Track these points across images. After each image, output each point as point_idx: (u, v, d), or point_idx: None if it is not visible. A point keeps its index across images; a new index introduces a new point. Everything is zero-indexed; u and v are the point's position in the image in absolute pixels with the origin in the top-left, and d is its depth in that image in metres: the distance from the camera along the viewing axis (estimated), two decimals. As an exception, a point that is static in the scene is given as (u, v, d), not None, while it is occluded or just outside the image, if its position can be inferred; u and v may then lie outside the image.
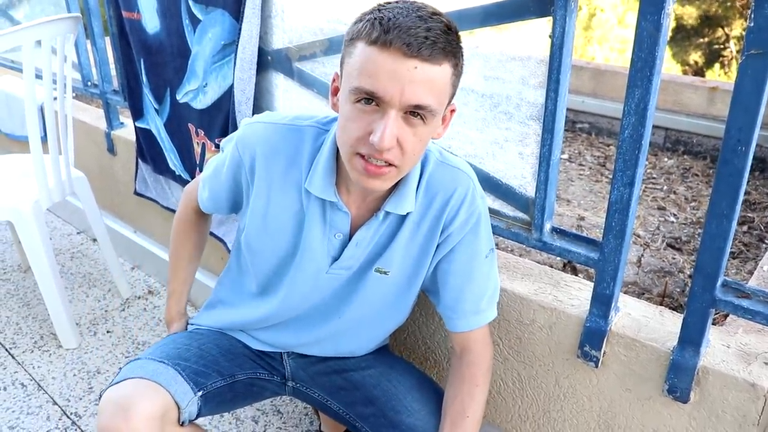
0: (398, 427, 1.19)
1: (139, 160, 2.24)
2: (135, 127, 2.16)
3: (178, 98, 1.87)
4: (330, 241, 1.16)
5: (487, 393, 1.20)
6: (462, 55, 0.98)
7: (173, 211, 2.17)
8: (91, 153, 2.62)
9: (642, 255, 2.77)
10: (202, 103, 1.78)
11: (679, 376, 1.12)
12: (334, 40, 1.51)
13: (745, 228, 3.08)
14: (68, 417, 1.75)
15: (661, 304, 1.43)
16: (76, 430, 1.71)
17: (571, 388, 1.31)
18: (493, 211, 1.37)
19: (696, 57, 9.91)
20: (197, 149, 1.87)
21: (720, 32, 9.59)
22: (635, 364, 1.19)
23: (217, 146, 1.76)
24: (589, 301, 1.23)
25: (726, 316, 1.52)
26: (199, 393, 1.17)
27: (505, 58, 1.26)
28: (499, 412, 1.46)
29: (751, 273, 2.54)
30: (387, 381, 1.27)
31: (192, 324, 1.39)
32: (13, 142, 3.15)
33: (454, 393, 1.19)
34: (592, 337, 1.22)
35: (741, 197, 0.99)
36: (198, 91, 1.78)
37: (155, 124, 2.04)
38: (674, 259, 2.76)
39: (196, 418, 1.18)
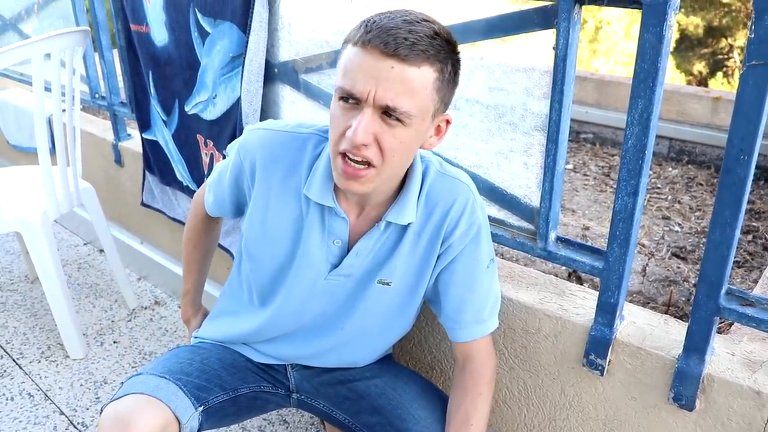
0: (405, 435, 1.19)
1: (146, 172, 2.26)
2: (142, 138, 2.18)
3: (187, 110, 1.89)
4: (329, 248, 1.16)
5: (491, 402, 1.21)
6: (452, 63, 0.98)
7: (180, 222, 2.19)
8: (99, 164, 2.64)
9: (647, 264, 2.77)
10: (211, 114, 1.80)
11: (685, 384, 1.13)
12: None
13: (750, 237, 3.07)
14: (75, 427, 1.76)
15: (666, 313, 1.43)
16: (83, 439, 1.72)
17: (576, 396, 1.32)
18: (498, 221, 1.38)
19: (700, 67, 9.93)
20: (206, 160, 1.89)
21: (724, 42, 9.61)
22: (640, 373, 1.20)
23: (225, 156, 1.77)
24: (594, 309, 1.23)
25: (731, 324, 1.52)
26: (201, 408, 1.17)
27: (510, 69, 1.27)
28: (505, 420, 1.47)
29: (756, 282, 2.54)
30: (392, 390, 1.27)
31: (195, 337, 1.40)
32: (21, 154, 3.18)
33: (457, 402, 1.19)
34: (598, 345, 1.22)
35: (744, 206, 0.99)
36: (208, 102, 1.80)
37: (163, 135, 2.06)
38: (679, 268, 2.76)
39: None
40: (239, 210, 1.28)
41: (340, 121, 0.97)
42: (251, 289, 1.27)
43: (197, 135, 1.90)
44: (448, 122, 1.06)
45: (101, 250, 2.77)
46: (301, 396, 1.37)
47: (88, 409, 1.83)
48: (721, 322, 1.68)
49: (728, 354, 1.15)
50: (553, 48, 1.14)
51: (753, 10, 0.89)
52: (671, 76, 9.38)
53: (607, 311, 1.21)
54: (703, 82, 9.67)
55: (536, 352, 1.35)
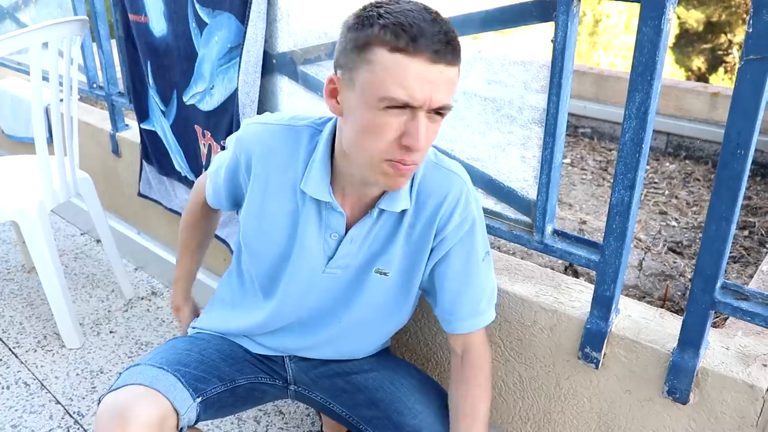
0: (402, 428, 1.19)
1: (144, 162, 2.25)
2: (140, 128, 2.17)
3: (184, 100, 1.89)
4: (326, 242, 1.16)
5: (491, 393, 1.21)
6: None
7: (176, 212, 2.19)
8: (96, 154, 2.63)
9: (643, 259, 2.78)
10: (209, 105, 1.80)
11: (679, 378, 1.13)
12: (339, 43, 1.53)
13: (746, 232, 3.08)
14: (71, 416, 1.76)
15: (662, 308, 1.44)
16: (78, 429, 1.72)
17: (571, 389, 1.32)
18: (495, 214, 1.38)
19: (699, 63, 9.92)
20: (203, 150, 1.88)
21: (723, 38, 9.60)
22: (635, 366, 1.20)
23: (224, 147, 1.77)
24: (590, 303, 1.24)
25: (726, 319, 1.53)
26: (198, 399, 1.16)
27: (508, 62, 1.27)
28: (500, 413, 1.47)
29: (751, 277, 2.55)
30: (390, 383, 1.28)
31: (193, 328, 1.39)
32: (17, 143, 3.17)
33: (463, 395, 1.18)
34: (593, 338, 1.23)
35: (740, 200, 1.00)
36: (205, 93, 1.80)
37: (161, 125, 2.06)
38: (675, 263, 2.77)
39: (195, 423, 1.18)
40: (235, 204, 1.28)
41: (386, 129, 0.95)
42: (253, 281, 1.28)
43: (195, 125, 1.89)
44: None
45: (98, 240, 2.77)
46: (298, 388, 1.38)
47: (84, 398, 1.83)
48: (717, 317, 1.68)
49: (723, 348, 1.16)
50: (552, 41, 1.14)
51: (751, 5, 0.89)
52: (670, 71, 9.37)
53: (602, 304, 1.21)
54: (702, 77, 9.66)
55: (532, 345, 1.35)
